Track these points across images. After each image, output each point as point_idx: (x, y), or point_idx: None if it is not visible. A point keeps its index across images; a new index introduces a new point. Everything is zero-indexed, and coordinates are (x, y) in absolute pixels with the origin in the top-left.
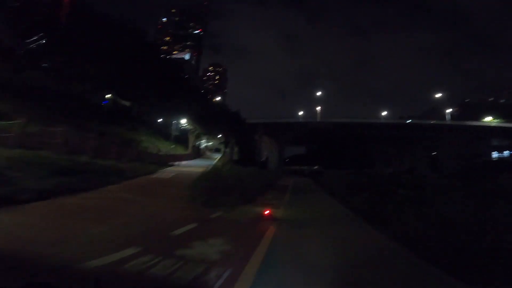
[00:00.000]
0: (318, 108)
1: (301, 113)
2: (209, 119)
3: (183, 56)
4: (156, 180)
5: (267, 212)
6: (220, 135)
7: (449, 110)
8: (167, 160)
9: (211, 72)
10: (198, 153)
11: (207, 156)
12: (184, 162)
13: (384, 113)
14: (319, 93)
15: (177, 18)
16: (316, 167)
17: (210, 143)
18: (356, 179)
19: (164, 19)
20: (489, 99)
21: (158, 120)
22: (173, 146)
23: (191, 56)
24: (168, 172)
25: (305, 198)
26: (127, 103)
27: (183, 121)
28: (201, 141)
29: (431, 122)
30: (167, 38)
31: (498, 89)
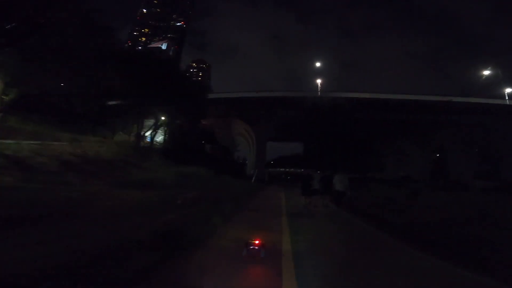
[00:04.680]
0: (319, 81)
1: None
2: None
3: (159, 46)
4: None
5: None
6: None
7: (509, 90)
8: None
9: (194, 68)
10: None
11: None
12: None
13: None
14: (318, 64)
15: (158, 10)
16: (302, 170)
17: None
18: None
19: (145, 10)
20: None
21: None
22: None
23: (167, 47)
24: None
25: None
26: None
27: None
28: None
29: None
30: (146, 30)
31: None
